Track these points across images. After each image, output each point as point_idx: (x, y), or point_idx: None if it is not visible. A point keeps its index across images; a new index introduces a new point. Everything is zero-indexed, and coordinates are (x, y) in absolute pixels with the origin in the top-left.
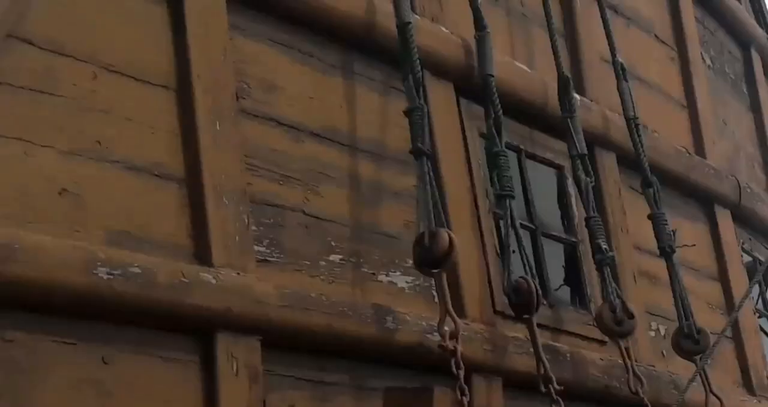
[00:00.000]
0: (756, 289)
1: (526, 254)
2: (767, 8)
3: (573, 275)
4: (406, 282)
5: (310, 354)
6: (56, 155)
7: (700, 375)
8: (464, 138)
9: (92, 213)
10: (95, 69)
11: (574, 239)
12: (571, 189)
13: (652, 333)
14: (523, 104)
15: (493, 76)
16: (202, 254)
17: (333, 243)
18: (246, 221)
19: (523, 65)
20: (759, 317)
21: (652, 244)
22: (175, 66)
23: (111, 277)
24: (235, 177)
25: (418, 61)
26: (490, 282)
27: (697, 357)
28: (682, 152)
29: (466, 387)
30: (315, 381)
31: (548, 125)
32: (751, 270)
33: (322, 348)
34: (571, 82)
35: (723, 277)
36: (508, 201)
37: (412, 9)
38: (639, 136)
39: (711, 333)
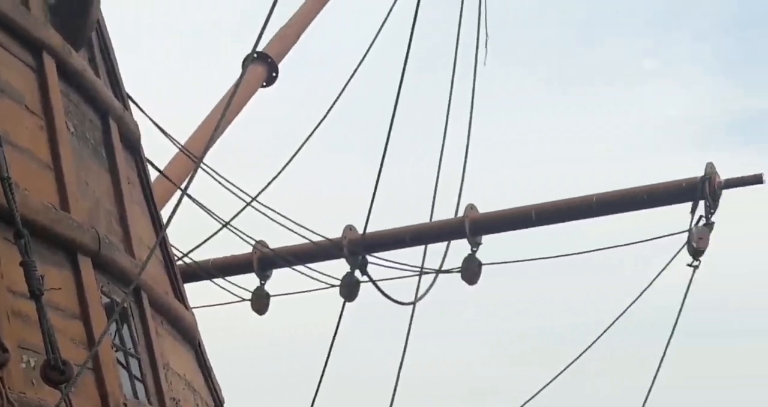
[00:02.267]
0: (113, 327)
1: None
2: (123, 83)
3: None
4: None
5: None
6: None
7: (65, 401)
8: None
9: None
10: None
11: None
12: None
13: (24, 365)
14: None
15: None
16: None
17: None
18: None
19: None
20: (116, 351)
21: (24, 287)
22: None
23: None
24: None
25: None
26: None
27: (63, 386)
28: (49, 208)
29: None
30: None
31: None
32: (109, 310)
33: None
34: None
35: (85, 316)
36: None
37: None
38: (12, 194)
39: (75, 364)
